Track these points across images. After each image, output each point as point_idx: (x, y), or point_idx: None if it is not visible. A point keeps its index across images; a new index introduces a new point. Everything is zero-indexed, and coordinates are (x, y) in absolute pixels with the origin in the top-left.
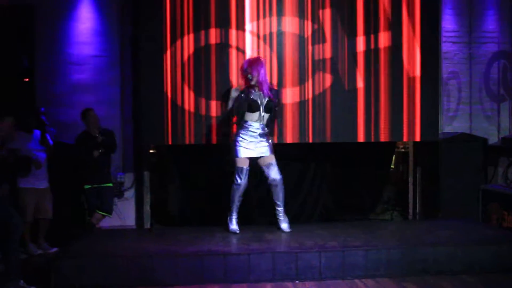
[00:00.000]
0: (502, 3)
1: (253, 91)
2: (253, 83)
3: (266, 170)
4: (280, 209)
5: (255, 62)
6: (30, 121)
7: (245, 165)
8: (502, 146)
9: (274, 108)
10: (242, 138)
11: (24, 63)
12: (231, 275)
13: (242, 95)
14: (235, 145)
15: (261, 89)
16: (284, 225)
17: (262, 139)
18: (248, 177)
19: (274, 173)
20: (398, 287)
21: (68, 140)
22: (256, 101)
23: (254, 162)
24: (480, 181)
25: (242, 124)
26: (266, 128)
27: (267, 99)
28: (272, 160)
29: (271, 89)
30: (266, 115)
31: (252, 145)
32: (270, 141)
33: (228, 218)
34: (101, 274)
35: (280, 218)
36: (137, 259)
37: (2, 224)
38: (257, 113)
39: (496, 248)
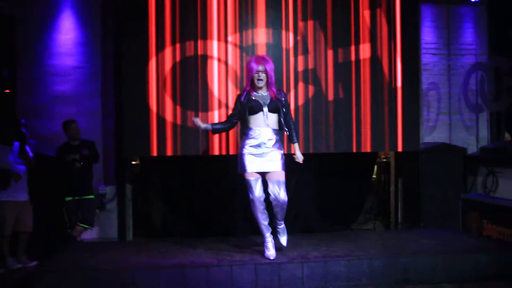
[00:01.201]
0: (479, 16)
1: (255, 93)
2: (261, 84)
3: (271, 186)
4: (280, 222)
5: (265, 59)
6: (10, 133)
7: (253, 177)
8: (480, 156)
9: (282, 109)
10: (248, 149)
11: (4, 74)
12: (214, 287)
13: (242, 99)
14: (240, 158)
15: (269, 91)
16: (283, 239)
17: (272, 148)
18: (263, 188)
19: (281, 194)
20: None
21: (49, 152)
22: (258, 101)
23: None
24: (460, 190)
25: (246, 132)
26: (276, 135)
27: (271, 98)
28: (282, 177)
29: (279, 91)
30: (273, 116)
31: (259, 157)
32: (282, 152)
33: (264, 243)
34: None
35: (278, 231)
36: (119, 272)
37: None
38: (260, 114)
39: (476, 256)
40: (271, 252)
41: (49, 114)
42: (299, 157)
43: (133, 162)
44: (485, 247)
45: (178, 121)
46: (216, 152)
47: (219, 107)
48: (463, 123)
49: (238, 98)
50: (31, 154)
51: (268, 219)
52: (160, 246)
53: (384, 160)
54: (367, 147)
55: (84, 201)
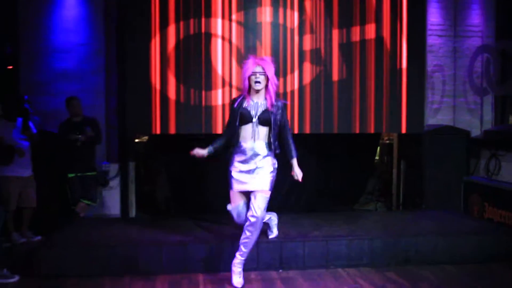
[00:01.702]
0: None
1: (250, 100)
2: (259, 87)
3: (252, 200)
4: (240, 259)
5: (264, 60)
6: (13, 109)
7: (234, 203)
8: (484, 139)
9: (276, 122)
10: (235, 165)
11: (7, 50)
12: (216, 264)
13: (235, 105)
14: (228, 174)
15: (267, 98)
16: (235, 279)
17: (261, 165)
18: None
19: (259, 211)
20: (381, 276)
21: (52, 129)
22: (249, 111)
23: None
24: (463, 173)
25: (234, 145)
26: (266, 149)
27: (264, 109)
28: (266, 194)
29: (277, 101)
30: (263, 130)
31: (247, 174)
32: (272, 172)
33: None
34: (85, 263)
35: (233, 268)
36: (121, 248)
37: None
38: (249, 125)
39: (477, 238)
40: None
41: (52, 90)
42: (298, 174)
43: (137, 140)
44: (486, 229)
45: (182, 99)
46: (220, 131)
47: (223, 85)
48: (467, 106)
49: (231, 104)
50: (34, 130)
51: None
52: (162, 223)
53: (387, 141)
54: (370, 128)
55: (86, 177)
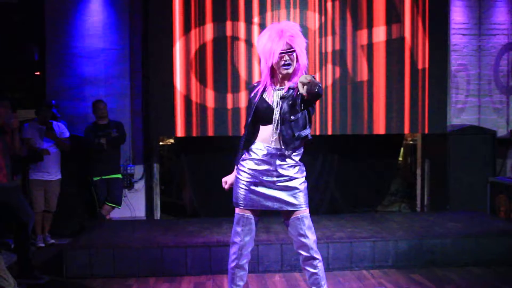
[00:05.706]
0: None
1: (273, 88)
2: (291, 70)
3: (290, 228)
4: None
5: (291, 34)
6: (46, 113)
7: (246, 213)
8: (510, 139)
9: (301, 104)
10: (248, 173)
11: (35, 56)
12: None
13: (251, 94)
14: (236, 185)
15: (292, 80)
16: None
17: (288, 173)
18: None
19: (309, 236)
20: (406, 278)
21: (79, 133)
22: (268, 104)
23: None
24: (488, 174)
25: (249, 145)
26: (287, 148)
27: (290, 92)
28: (306, 213)
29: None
30: (288, 123)
31: (267, 189)
32: (305, 182)
33: None
34: (112, 265)
35: None
36: (147, 250)
37: (16, 215)
38: (270, 122)
39: (504, 240)
40: None
41: (79, 95)
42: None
43: (161, 143)
44: None
45: (205, 103)
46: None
47: (246, 88)
48: (493, 105)
49: (249, 93)
50: (68, 133)
51: (245, 279)
52: (187, 225)
53: (411, 142)
54: (393, 129)
55: (112, 180)
